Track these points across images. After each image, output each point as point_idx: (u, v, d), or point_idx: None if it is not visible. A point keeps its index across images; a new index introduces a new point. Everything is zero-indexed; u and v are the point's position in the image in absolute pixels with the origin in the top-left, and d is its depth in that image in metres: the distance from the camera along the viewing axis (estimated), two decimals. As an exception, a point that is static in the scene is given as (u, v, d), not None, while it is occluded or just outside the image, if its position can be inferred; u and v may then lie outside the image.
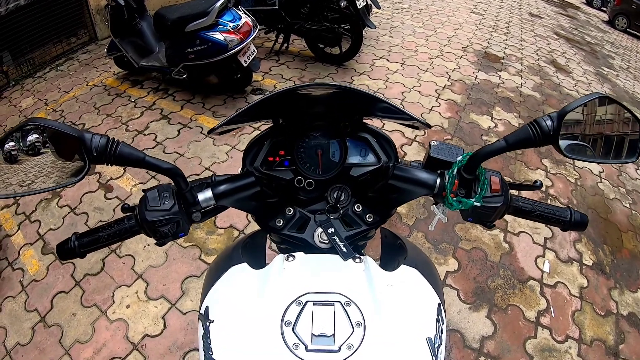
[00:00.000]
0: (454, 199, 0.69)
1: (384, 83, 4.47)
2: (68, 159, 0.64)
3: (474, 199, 0.67)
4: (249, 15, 3.59)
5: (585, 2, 15.93)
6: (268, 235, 0.88)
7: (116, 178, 2.98)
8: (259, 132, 0.82)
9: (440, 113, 3.95)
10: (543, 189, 3.11)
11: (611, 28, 11.54)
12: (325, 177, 0.80)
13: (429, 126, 0.80)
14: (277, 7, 4.35)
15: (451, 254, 2.50)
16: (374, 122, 0.86)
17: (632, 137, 0.66)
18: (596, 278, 2.51)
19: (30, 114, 3.94)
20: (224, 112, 3.75)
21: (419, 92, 4.33)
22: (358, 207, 0.80)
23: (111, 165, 0.62)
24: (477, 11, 8.14)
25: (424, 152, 3.36)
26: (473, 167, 0.68)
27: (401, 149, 3.33)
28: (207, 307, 0.68)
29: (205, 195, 0.71)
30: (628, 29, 11.67)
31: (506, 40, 6.58)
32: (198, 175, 2.99)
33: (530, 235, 2.68)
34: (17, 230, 2.66)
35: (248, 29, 3.48)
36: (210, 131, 0.78)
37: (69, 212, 2.73)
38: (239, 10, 3.57)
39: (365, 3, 4.23)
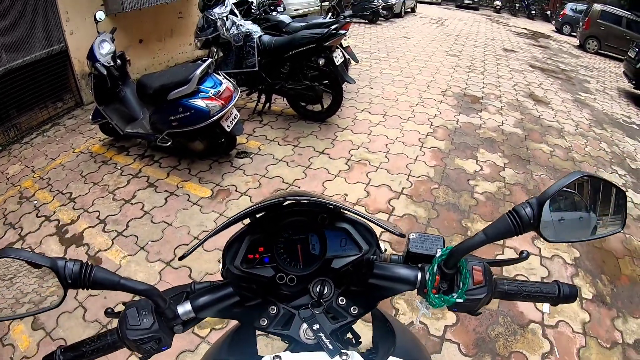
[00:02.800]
0: (436, 295, 0.68)
1: (367, 137, 4.52)
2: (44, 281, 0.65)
3: (456, 295, 0.67)
4: (229, 80, 3.66)
5: (555, 30, 16.59)
6: None
7: (105, 250, 2.94)
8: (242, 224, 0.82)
9: (425, 162, 4.00)
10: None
11: (583, 52, 11.97)
12: (306, 272, 0.80)
13: (402, 235, 0.79)
14: (257, 68, 4.44)
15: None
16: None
17: (617, 209, 0.65)
18: (598, 310, 2.49)
19: (17, 181, 3.91)
20: (210, 178, 3.76)
21: (403, 142, 4.40)
22: (342, 300, 0.79)
23: (87, 290, 0.64)
24: (452, 53, 8.40)
25: (412, 205, 3.40)
26: (454, 262, 0.67)
27: (389, 204, 3.34)
28: None
29: (184, 308, 0.72)
30: (599, 51, 12.15)
31: (483, 79, 6.78)
32: (187, 244, 2.96)
33: (527, 277, 2.66)
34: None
35: (229, 94, 3.54)
36: (182, 257, 0.79)
37: (55, 295, 2.66)
38: (220, 75, 3.63)
39: (343, 59, 4.35)
